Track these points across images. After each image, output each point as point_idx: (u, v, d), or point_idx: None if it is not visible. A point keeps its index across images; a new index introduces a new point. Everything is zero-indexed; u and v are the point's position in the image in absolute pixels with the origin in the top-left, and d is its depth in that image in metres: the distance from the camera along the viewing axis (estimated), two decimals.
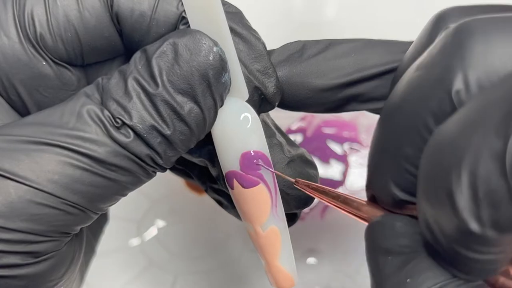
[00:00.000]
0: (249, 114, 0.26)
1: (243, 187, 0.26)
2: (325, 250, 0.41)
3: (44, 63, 0.26)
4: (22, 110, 0.27)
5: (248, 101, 0.26)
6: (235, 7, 0.27)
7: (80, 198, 0.23)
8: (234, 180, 0.26)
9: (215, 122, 0.25)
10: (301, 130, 0.45)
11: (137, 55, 0.25)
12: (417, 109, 0.22)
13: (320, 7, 0.52)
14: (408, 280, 0.21)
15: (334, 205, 0.26)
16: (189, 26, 0.25)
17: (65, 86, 0.27)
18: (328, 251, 0.42)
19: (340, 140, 0.44)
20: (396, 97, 0.24)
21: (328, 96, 0.28)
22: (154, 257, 0.42)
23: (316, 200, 0.28)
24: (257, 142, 0.26)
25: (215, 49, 0.24)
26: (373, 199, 0.25)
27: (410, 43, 0.27)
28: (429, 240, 0.21)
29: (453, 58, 0.22)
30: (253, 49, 0.26)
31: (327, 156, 0.43)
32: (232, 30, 0.25)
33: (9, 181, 0.22)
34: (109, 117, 0.23)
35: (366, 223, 0.25)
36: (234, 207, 0.28)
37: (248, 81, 0.26)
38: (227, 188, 0.27)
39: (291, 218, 0.30)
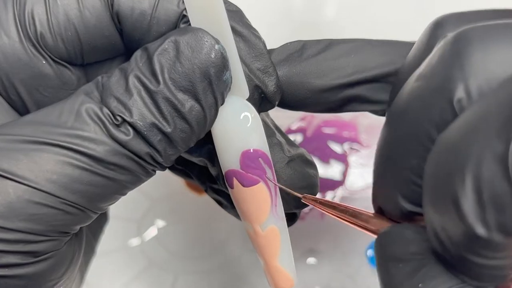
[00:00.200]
0: (250, 113, 0.25)
1: (243, 185, 0.26)
2: (325, 250, 0.41)
3: (44, 62, 0.26)
4: (22, 110, 0.27)
5: (248, 99, 0.26)
6: (235, 5, 0.27)
7: (79, 197, 0.23)
8: (234, 179, 0.26)
9: (215, 121, 0.25)
10: (301, 130, 0.45)
11: (138, 53, 0.25)
12: (419, 119, 0.22)
13: (320, 7, 0.52)
14: (420, 285, 0.21)
15: (342, 219, 0.26)
16: (189, 24, 0.25)
17: (65, 86, 0.27)
18: (328, 251, 0.42)
19: (340, 140, 0.44)
20: (398, 107, 0.24)
21: (328, 97, 0.27)
22: (154, 257, 0.42)
23: None
24: (257, 141, 0.26)
25: (216, 47, 0.24)
26: (380, 211, 0.25)
27: (410, 43, 0.27)
28: (437, 249, 0.21)
29: (452, 67, 0.22)
30: (254, 47, 0.26)
31: (327, 156, 0.43)
32: (232, 28, 0.25)
33: (7, 181, 0.22)
34: (108, 115, 0.23)
35: (375, 236, 0.25)
36: (233, 207, 0.28)
37: (249, 80, 0.26)
38: (226, 188, 0.27)
39: (291, 218, 0.29)
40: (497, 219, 0.19)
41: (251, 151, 0.26)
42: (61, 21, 0.25)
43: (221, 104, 0.25)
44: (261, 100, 0.27)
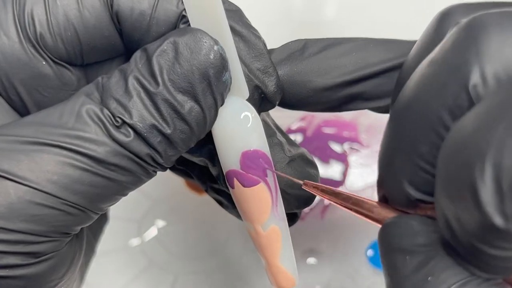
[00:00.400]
0: (250, 113, 0.25)
1: (244, 186, 0.26)
2: (325, 250, 0.41)
3: (44, 62, 0.26)
4: (22, 110, 0.27)
5: (248, 100, 0.26)
6: (235, 5, 0.27)
7: (80, 198, 0.23)
8: (235, 179, 0.26)
9: (216, 121, 0.25)
10: (301, 130, 0.45)
11: (138, 54, 0.25)
12: (432, 105, 0.22)
13: (320, 7, 0.52)
14: (429, 278, 0.21)
15: (345, 206, 0.25)
16: (189, 24, 0.25)
17: (65, 86, 0.27)
18: (328, 251, 0.42)
19: (340, 140, 0.44)
20: (407, 94, 0.23)
21: (330, 95, 0.27)
22: (154, 257, 0.42)
23: (316, 199, 0.28)
24: (258, 141, 0.26)
25: (215, 47, 0.24)
26: (384, 199, 0.25)
27: (411, 42, 0.27)
28: (447, 238, 0.21)
29: (468, 52, 0.21)
30: (253, 47, 0.26)
31: (327, 156, 0.43)
32: (231, 28, 0.25)
33: (8, 181, 0.22)
34: (109, 116, 0.23)
35: (378, 225, 0.24)
36: (234, 207, 0.28)
37: (249, 80, 0.26)
38: (227, 188, 0.27)
39: (292, 218, 0.29)
40: None
41: (251, 151, 0.26)
42: (60, 21, 0.25)
43: (221, 105, 0.25)
44: (261, 100, 0.27)
